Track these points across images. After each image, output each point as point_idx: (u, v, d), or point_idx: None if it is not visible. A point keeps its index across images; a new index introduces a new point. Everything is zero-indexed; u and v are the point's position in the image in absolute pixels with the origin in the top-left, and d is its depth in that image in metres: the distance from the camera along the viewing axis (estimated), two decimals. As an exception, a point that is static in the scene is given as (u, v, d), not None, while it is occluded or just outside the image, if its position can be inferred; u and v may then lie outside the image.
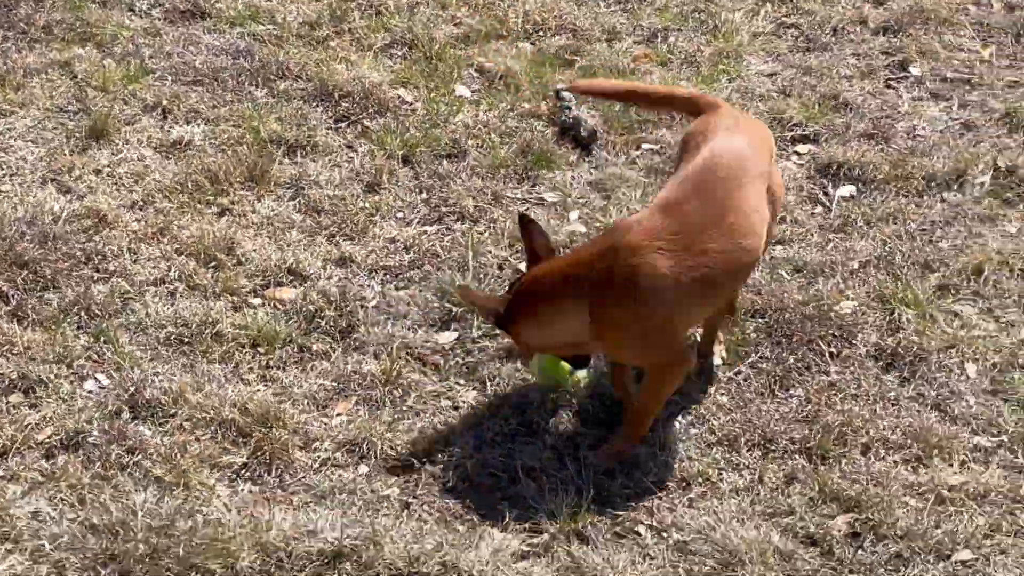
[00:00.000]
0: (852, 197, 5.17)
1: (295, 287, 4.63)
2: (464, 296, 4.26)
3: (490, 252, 4.79)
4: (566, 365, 4.22)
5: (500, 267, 4.74)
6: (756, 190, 3.96)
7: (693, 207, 3.84)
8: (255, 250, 4.77)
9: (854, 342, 4.46)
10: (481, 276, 4.72)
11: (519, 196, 5.12)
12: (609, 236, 3.90)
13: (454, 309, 4.56)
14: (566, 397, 4.23)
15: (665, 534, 3.83)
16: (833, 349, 4.44)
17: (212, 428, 4.07)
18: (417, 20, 6.10)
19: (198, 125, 5.39)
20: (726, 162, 3.93)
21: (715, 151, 3.95)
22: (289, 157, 5.25)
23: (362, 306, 4.55)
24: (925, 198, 5.16)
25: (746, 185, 3.93)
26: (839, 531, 3.82)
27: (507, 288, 4.14)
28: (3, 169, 5.11)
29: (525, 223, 4.08)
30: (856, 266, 4.79)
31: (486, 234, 4.90)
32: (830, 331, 4.49)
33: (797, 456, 4.05)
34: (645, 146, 5.39)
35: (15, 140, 5.28)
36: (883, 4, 6.39)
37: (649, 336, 3.87)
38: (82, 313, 4.47)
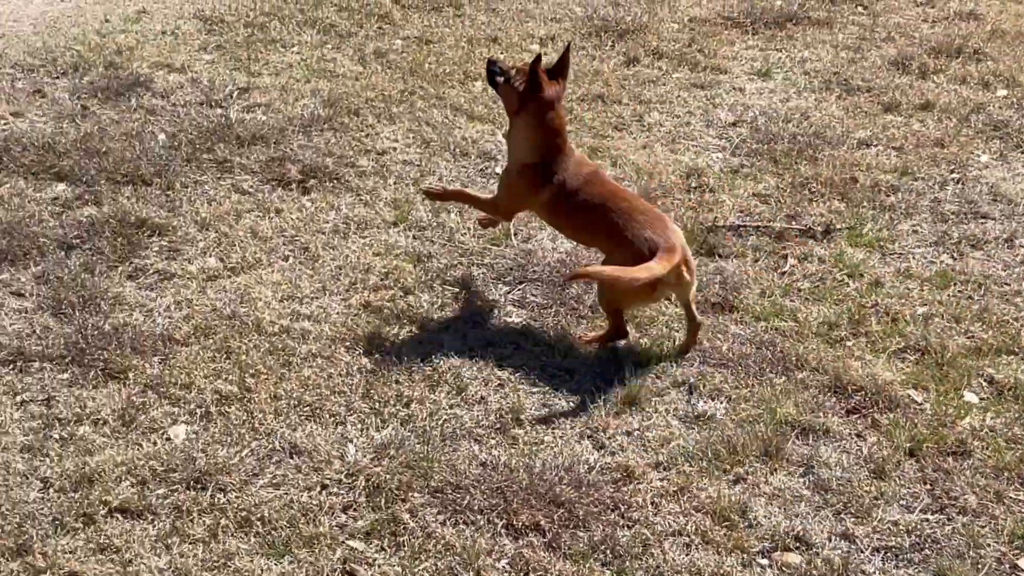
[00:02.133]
0: None
1: (800, 554, 5.00)
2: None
3: (991, 544, 4.98)
4: None
5: (1000, 560, 4.92)
6: None
7: None
8: (765, 516, 5.20)
9: None
10: (979, 566, 4.93)
11: (1022, 498, 5.31)
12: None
13: (952, 592, 4.79)
14: None
15: None
16: None
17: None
18: (931, 330, 6.46)
19: (720, 402, 5.94)
20: None
21: None
22: (801, 438, 5.69)
23: (863, 578, 4.86)
24: None
25: None
26: None
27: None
28: (548, 423, 5.81)
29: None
30: None
31: (986, 529, 5.11)
32: None
33: None
34: None
35: (561, 401, 5.99)
36: None
37: None
38: (608, 552, 5.01)
